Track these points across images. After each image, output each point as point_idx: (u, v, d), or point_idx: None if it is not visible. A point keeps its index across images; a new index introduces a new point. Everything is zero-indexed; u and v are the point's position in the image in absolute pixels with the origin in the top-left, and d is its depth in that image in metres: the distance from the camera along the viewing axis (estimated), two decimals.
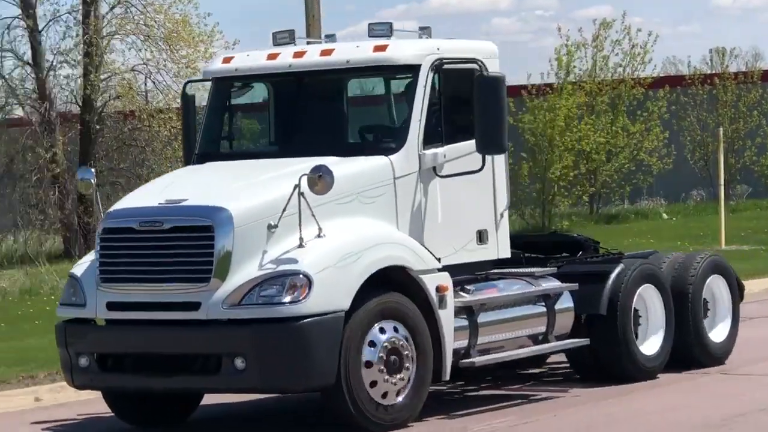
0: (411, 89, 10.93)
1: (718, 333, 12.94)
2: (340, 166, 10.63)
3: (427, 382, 10.46)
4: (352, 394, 9.83)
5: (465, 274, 11.09)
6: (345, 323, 9.83)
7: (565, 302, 11.76)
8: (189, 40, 31.76)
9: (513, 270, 11.98)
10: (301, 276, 9.70)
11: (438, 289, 10.39)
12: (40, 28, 31.93)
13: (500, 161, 11.25)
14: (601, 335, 11.75)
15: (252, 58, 11.54)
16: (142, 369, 9.98)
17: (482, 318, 10.86)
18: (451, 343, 10.49)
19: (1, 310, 19.98)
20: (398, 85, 11.51)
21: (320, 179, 9.73)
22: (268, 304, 9.73)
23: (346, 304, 9.77)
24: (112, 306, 9.93)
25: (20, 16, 31.75)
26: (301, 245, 9.81)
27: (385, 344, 10.07)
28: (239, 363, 9.61)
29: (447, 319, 10.50)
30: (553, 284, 11.67)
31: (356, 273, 9.91)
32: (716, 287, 12.92)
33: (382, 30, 11.07)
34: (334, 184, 9.94)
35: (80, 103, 31.99)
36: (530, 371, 12.81)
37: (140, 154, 32.32)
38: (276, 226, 9.81)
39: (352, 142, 11.24)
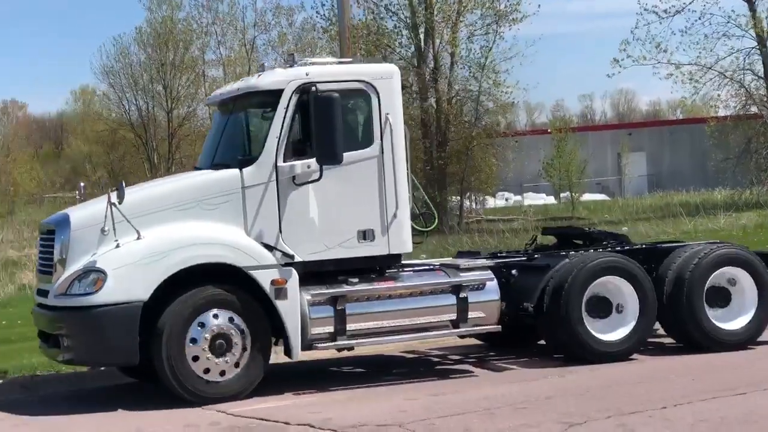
0: (274, 111, 11.74)
1: (735, 321, 12.91)
2: (191, 179, 12.36)
3: (260, 365, 11.29)
4: (173, 367, 10.85)
5: (360, 266, 11.83)
6: (158, 311, 10.84)
7: (487, 294, 12.26)
8: None
9: (432, 263, 13.11)
10: (98, 272, 10.92)
11: (273, 283, 11.25)
12: None
13: (389, 167, 11.92)
14: (548, 323, 12.37)
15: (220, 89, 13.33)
16: (42, 341, 11.66)
17: (352, 308, 11.58)
18: (297, 329, 11.26)
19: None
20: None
21: (117, 191, 11.00)
22: (73, 295, 11.00)
23: (144, 295, 10.78)
24: (38, 292, 11.98)
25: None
26: (117, 246, 11.03)
27: (213, 328, 10.97)
28: (66, 341, 11.00)
29: (289, 308, 11.31)
30: (468, 276, 12.16)
31: (160, 269, 10.90)
32: (739, 279, 12.97)
33: (289, 61, 12.17)
34: (178, 193, 11.64)
35: None
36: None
37: None
38: (107, 231, 11.06)
39: (221, 158, 12.19)
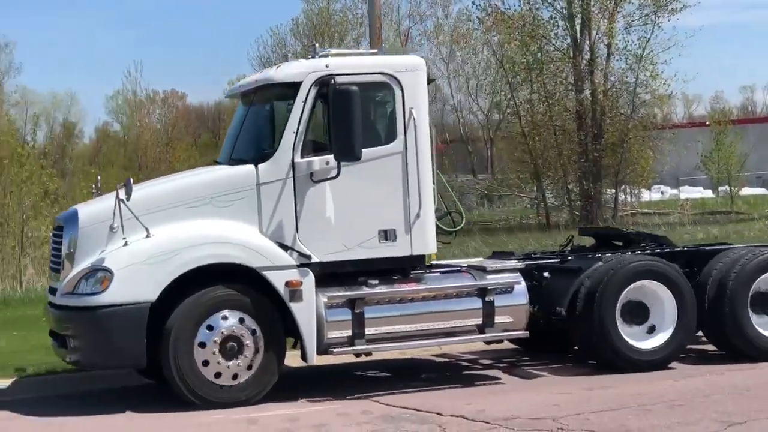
0: (291, 104, 11.43)
1: None
2: (204, 175, 11.97)
3: (274, 368, 11.05)
4: (180, 370, 10.57)
5: (382, 267, 11.51)
6: (167, 312, 10.58)
7: (516, 298, 11.95)
8: None
9: (460, 264, 12.68)
10: (105, 271, 10.61)
11: (288, 284, 10.91)
12: None
13: (413, 165, 11.60)
14: (580, 329, 12.11)
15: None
16: (53, 340, 11.33)
17: (371, 311, 11.28)
18: (312, 332, 10.98)
19: None
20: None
21: (125, 187, 10.77)
22: (80, 294, 10.72)
23: (152, 296, 10.49)
24: (49, 290, 11.73)
25: None
26: (125, 244, 10.74)
27: (223, 330, 10.70)
28: (72, 342, 10.76)
29: (305, 310, 10.99)
30: (495, 279, 11.84)
31: (169, 269, 10.60)
32: None
33: (313, 53, 11.95)
34: (190, 190, 11.35)
35: None
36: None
37: None
38: (115, 228, 10.78)
39: (238, 153, 11.94)
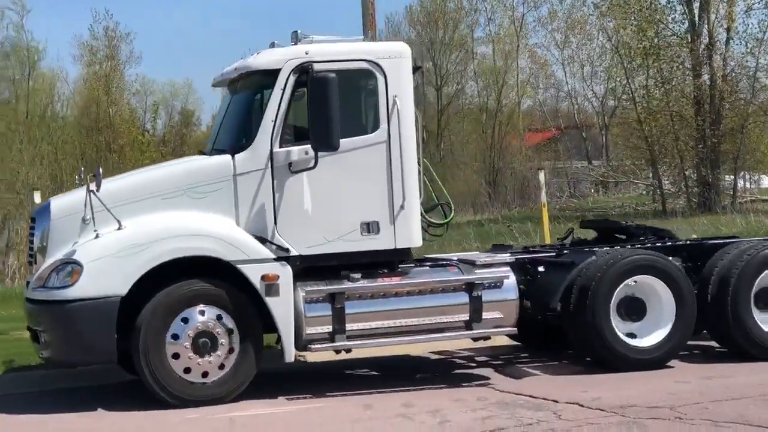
0: (269, 92, 11.22)
1: None
2: (179, 166, 11.80)
3: (250, 367, 10.80)
4: (150, 363, 10.34)
5: (365, 261, 11.28)
6: (140, 305, 10.32)
7: (505, 293, 11.66)
8: None
9: (446, 257, 12.44)
10: (74, 264, 10.36)
11: (264, 278, 10.64)
12: None
13: (397, 155, 11.32)
14: (573, 325, 11.86)
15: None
16: (30, 336, 11.13)
17: (352, 306, 11.02)
18: (290, 328, 10.73)
19: None
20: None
21: (94, 178, 10.58)
22: (50, 288, 10.48)
23: (122, 290, 10.20)
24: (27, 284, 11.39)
25: None
26: (97, 237, 10.49)
27: (198, 325, 10.44)
28: (43, 337, 10.55)
29: (282, 306, 10.73)
30: (483, 273, 11.56)
31: (139, 262, 10.31)
32: None
33: (293, 37, 11.61)
34: (164, 180, 10.99)
35: None
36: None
37: None
38: (87, 220, 10.55)
39: (220, 143, 11.75)
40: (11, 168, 32.78)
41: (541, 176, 20.35)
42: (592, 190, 53.46)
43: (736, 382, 10.64)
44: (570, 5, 59.35)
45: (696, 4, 39.65)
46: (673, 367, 11.73)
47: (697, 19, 39.66)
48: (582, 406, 9.69)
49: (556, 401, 9.94)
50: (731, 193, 40.27)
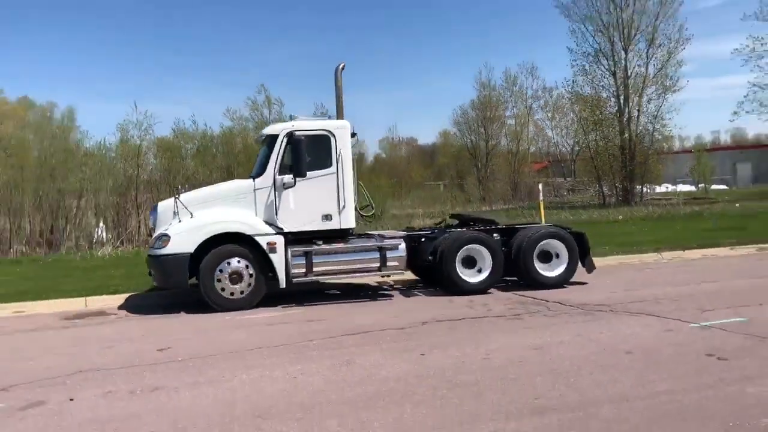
0: (274, 146, 11.31)
1: (555, 271, 12.20)
2: (227, 184, 11.79)
3: (261, 290, 10.99)
4: (207, 290, 10.78)
5: (327, 236, 11.44)
6: (202, 258, 10.73)
7: (398, 252, 11.67)
8: None
9: (373, 233, 12.42)
10: (166, 236, 10.86)
11: (268, 243, 10.96)
12: None
13: (341, 180, 11.37)
14: (437, 270, 11.98)
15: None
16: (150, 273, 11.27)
17: (316, 258, 11.14)
18: (282, 270, 10.96)
19: None
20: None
21: (178, 191, 11.02)
22: (155, 248, 10.91)
23: (191, 249, 10.66)
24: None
25: None
26: (180, 221, 10.95)
27: (232, 267, 10.83)
28: (153, 274, 10.99)
29: (278, 258, 10.95)
30: (388, 242, 11.63)
31: (201, 234, 10.75)
32: (556, 246, 12.21)
33: (292, 117, 11.63)
34: (219, 192, 11.42)
35: None
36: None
37: None
38: (176, 213, 11.07)
39: (254, 172, 11.66)
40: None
41: (540, 186, 20.72)
42: (566, 193, 54.43)
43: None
44: (556, 98, 61.30)
45: (622, 98, 42.02)
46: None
47: (622, 105, 42.24)
48: (561, 304, 10.04)
49: (547, 300, 10.53)
50: (640, 195, 41.74)
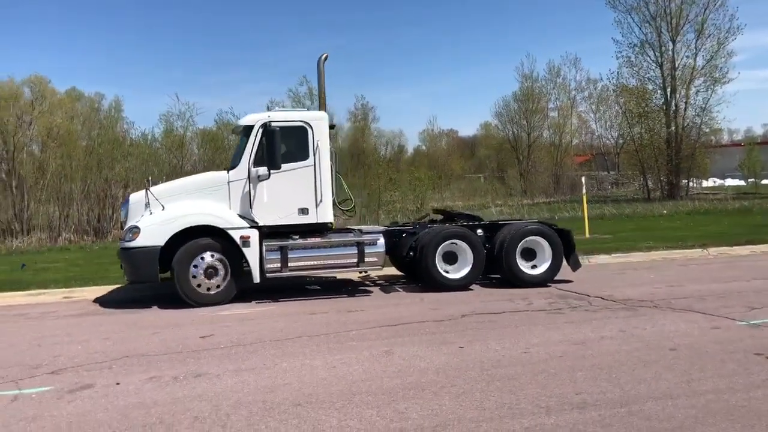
0: (250, 137, 11.12)
1: (539, 269, 11.94)
2: (201, 176, 11.58)
3: (233, 287, 10.90)
4: (182, 285, 10.63)
5: (303, 230, 11.22)
6: (174, 251, 10.57)
7: (377, 247, 11.50)
8: None
9: (353, 228, 12.35)
10: (137, 227, 10.66)
11: (241, 237, 10.77)
12: None
13: (318, 172, 11.21)
14: (417, 265, 11.81)
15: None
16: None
17: (291, 252, 10.93)
18: (257, 264, 10.78)
19: None
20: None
21: (148, 182, 10.73)
22: (125, 241, 10.75)
23: (161, 242, 10.49)
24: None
25: None
26: (150, 214, 10.75)
27: (207, 262, 10.69)
28: (123, 267, 10.87)
29: (252, 252, 10.77)
30: (366, 237, 11.44)
31: (172, 227, 10.55)
32: (540, 243, 11.98)
33: (271, 107, 11.53)
34: (191, 183, 11.19)
35: None
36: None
37: None
38: (147, 205, 10.81)
39: (229, 165, 11.54)
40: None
41: (583, 179, 22.33)
42: (609, 187, 54.22)
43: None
44: (600, 90, 60.00)
45: (668, 90, 42.12)
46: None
47: (668, 97, 42.35)
48: (603, 299, 10.06)
49: (588, 295, 10.37)
50: (686, 189, 42.22)
